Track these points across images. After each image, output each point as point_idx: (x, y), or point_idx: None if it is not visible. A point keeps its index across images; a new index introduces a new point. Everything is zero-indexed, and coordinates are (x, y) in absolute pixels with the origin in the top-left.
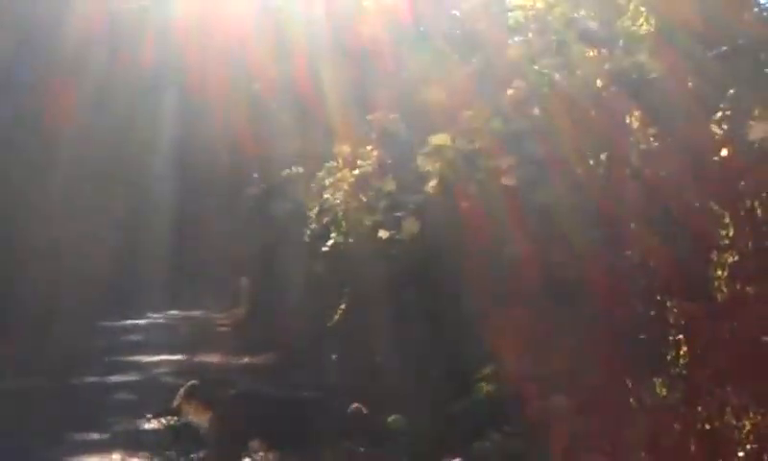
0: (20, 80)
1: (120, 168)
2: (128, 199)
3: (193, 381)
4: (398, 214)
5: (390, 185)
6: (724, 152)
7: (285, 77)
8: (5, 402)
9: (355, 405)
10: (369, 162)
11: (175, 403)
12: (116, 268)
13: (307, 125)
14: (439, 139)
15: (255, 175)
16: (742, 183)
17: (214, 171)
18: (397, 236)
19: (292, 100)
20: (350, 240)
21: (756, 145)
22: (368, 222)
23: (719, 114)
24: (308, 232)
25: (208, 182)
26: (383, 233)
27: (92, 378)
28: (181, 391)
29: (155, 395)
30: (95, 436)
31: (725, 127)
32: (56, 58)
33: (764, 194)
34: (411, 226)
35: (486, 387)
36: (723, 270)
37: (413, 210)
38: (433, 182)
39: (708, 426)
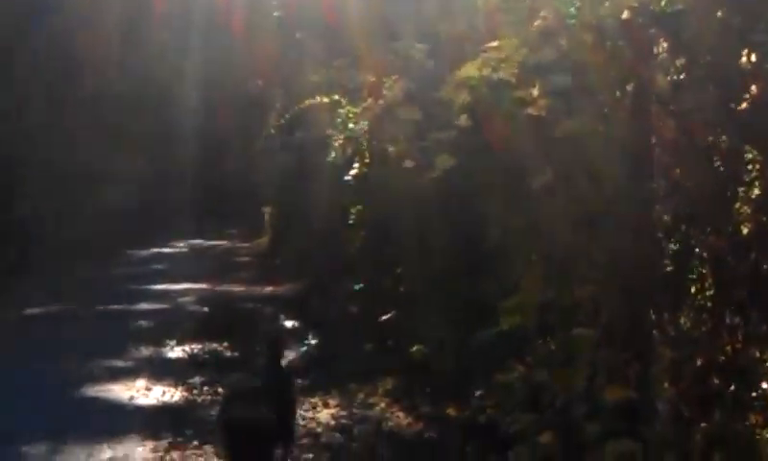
0: (48, 15)
1: (146, 99)
2: (153, 129)
3: (278, 335)
4: (425, 144)
5: (415, 115)
6: (752, 86)
7: (310, 6)
8: (34, 329)
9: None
10: (394, 92)
11: None
12: (142, 197)
13: (332, 54)
14: (466, 70)
15: (279, 105)
16: None
17: (240, 101)
18: (427, 170)
19: (317, 29)
20: (374, 170)
21: None
22: (392, 151)
23: (749, 47)
24: (332, 162)
25: (234, 112)
26: (409, 163)
27: (118, 306)
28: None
29: (179, 323)
30: (120, 363)
31: (754, 59)
32: None
33: None
34: (444, 161)
35: (510, 319)
36: (748, 204)
37: (443, 144)
38: (463, 116)
39: (731, 359)
